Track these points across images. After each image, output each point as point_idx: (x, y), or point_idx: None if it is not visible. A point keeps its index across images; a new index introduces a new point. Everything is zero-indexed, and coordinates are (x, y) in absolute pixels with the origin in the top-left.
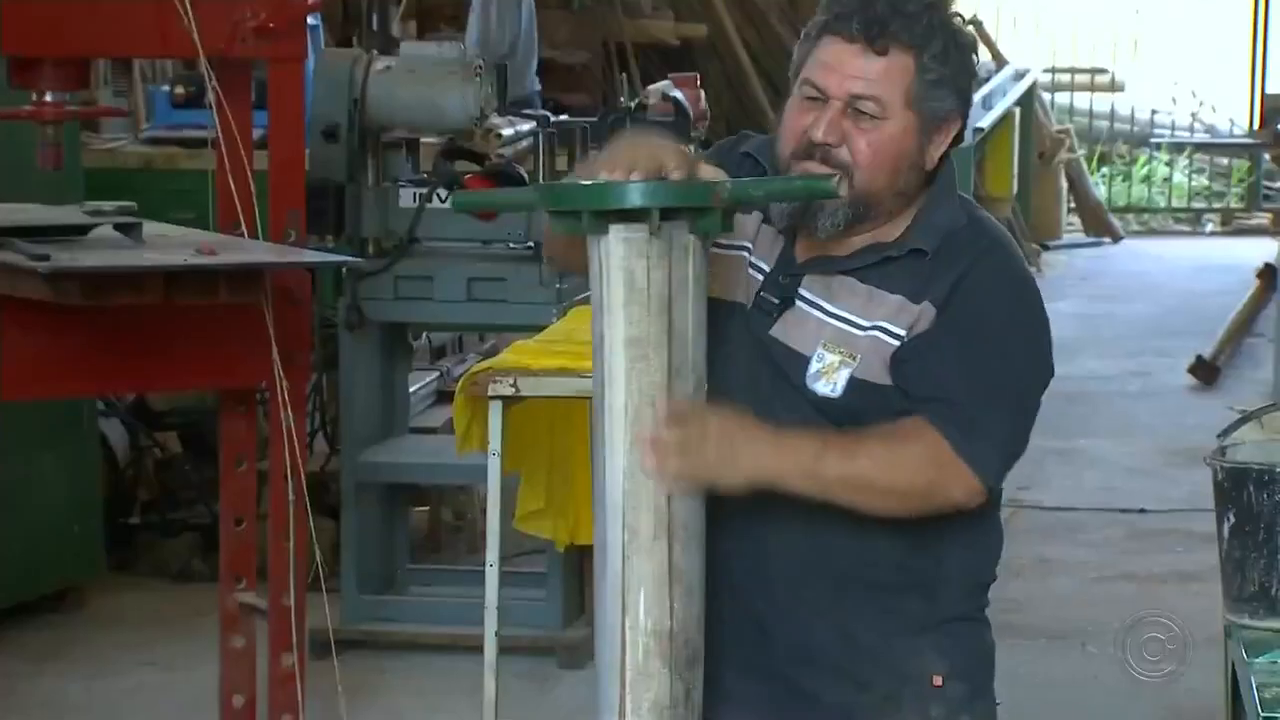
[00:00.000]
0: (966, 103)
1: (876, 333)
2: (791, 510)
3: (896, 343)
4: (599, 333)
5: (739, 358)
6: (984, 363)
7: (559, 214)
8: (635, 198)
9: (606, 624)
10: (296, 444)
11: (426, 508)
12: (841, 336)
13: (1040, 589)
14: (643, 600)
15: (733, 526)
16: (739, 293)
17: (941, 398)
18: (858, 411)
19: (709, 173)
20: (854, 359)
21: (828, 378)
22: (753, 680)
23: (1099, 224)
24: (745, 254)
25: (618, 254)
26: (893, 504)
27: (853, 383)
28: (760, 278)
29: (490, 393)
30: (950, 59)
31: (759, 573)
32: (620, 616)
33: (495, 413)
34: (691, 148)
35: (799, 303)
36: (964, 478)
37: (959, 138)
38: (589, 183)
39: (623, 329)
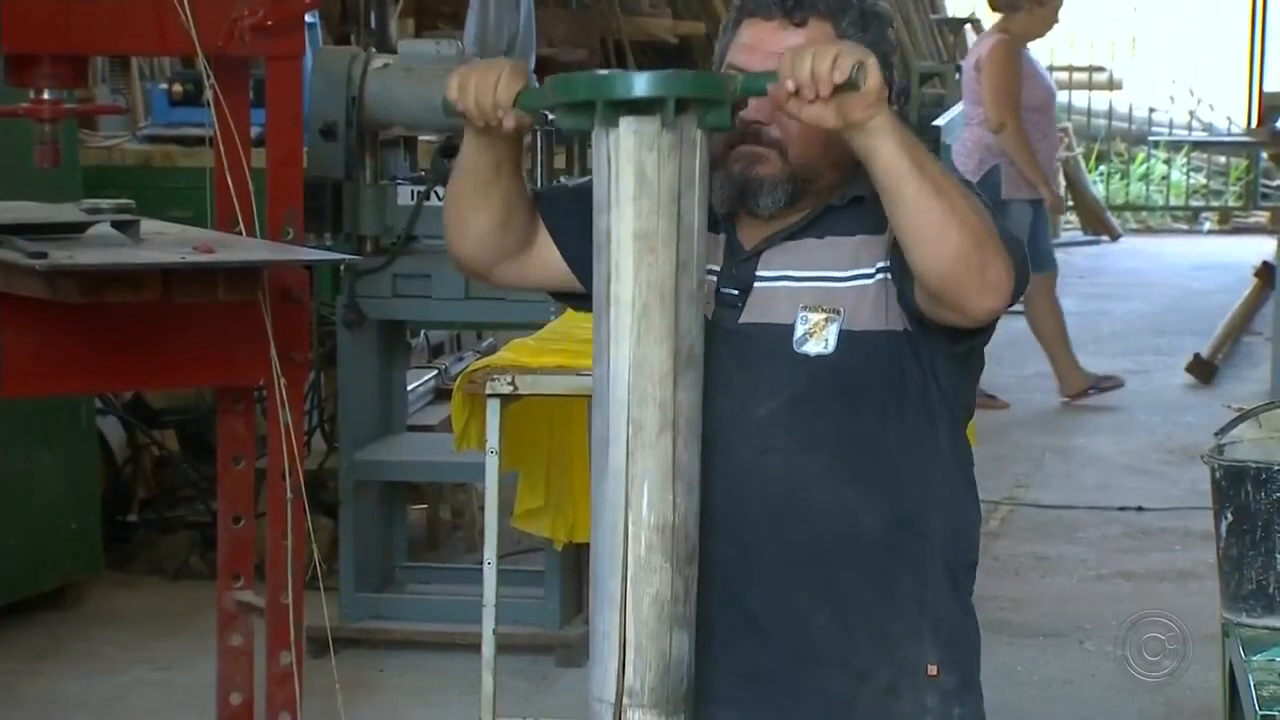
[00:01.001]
0: (891, 71)
1: (857, 281)
2: (772, 500)
3: (880, 276)
4: (604, 228)
5: (714, 364)
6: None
7: (569, 109)
8: (653, 87)
9: (606, 520)
10: (294, 442)
11: (424, 506)
12: (820, 295)
13: (1038, 587)
14: (646, 495)
15: (715, 527)
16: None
17: None
18: (854, 367)
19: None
20: (838, 312)
21: (816, 337)
22: (750, 684)
23: (1097, 222)
24: (713, 277)
25: (628, 146)
26: (955, 222)
27: (843, 336)
28: (714, 278)
29: (488, 391)
30: (869, 25)
31: (748, 570)
32: (623, 511)
33: (493, 411)
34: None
35: (760, 284)
36: (1003, 256)
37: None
38: (604, 73)
39: (631, 222)
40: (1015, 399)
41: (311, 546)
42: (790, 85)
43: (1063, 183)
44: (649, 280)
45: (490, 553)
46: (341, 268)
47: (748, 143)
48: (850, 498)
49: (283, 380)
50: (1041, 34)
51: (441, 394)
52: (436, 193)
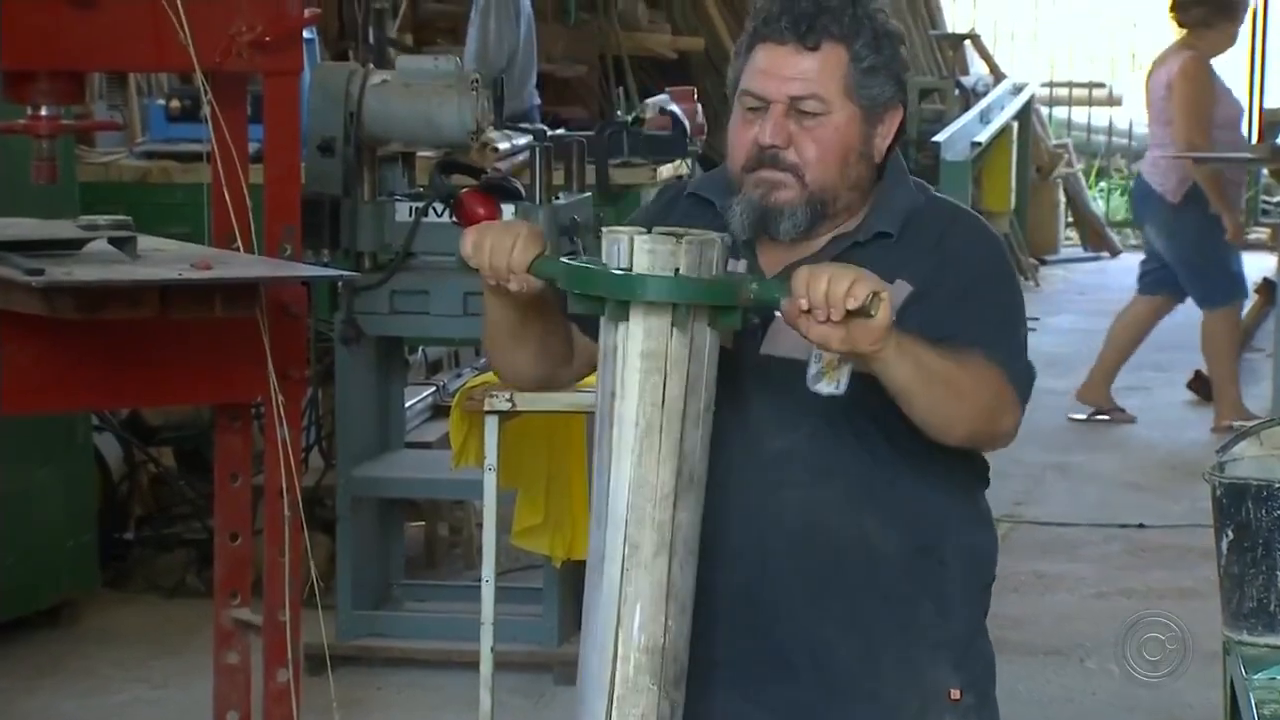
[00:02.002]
0: (904, 92)
1: None
2: (791, 532)
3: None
4: (604, 413)
5: (732, 395)
6: (992, 311)
7: (580, 296)
8: (664, 292)
9: (596, 638)
10: (292, 459)
11: (422, 523)
12: None
13: (1038, 605)
14: (638, 616)
15: (734, 562)
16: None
17: (974, 343)
18: (870, 405)
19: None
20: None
21: (829, 377)
22: (775, 717)
23: (1097, 238)
24: None
25: (636, 341)
26: (964, 412)
27: (856, 376)
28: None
29: (486, 407)
30: (882, 47)
31: (774, 605)
32: (613, 631)
33: (491, 427)
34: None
35: (779, 313)
36: (1013, 404)
37: (903, 129)
38: (618, 272)
39: (640, 341)
40: None
41: (309, 564)
42: (803, 304)
43: (1063, 199)
44: (654, 400)
45: (488, 570)
46: (339, 284)
47: (765, 167)
48: (870, 526)
49: (280, 397)
50: (1226, 50)
51: (439, 410)
52: (434, 208)
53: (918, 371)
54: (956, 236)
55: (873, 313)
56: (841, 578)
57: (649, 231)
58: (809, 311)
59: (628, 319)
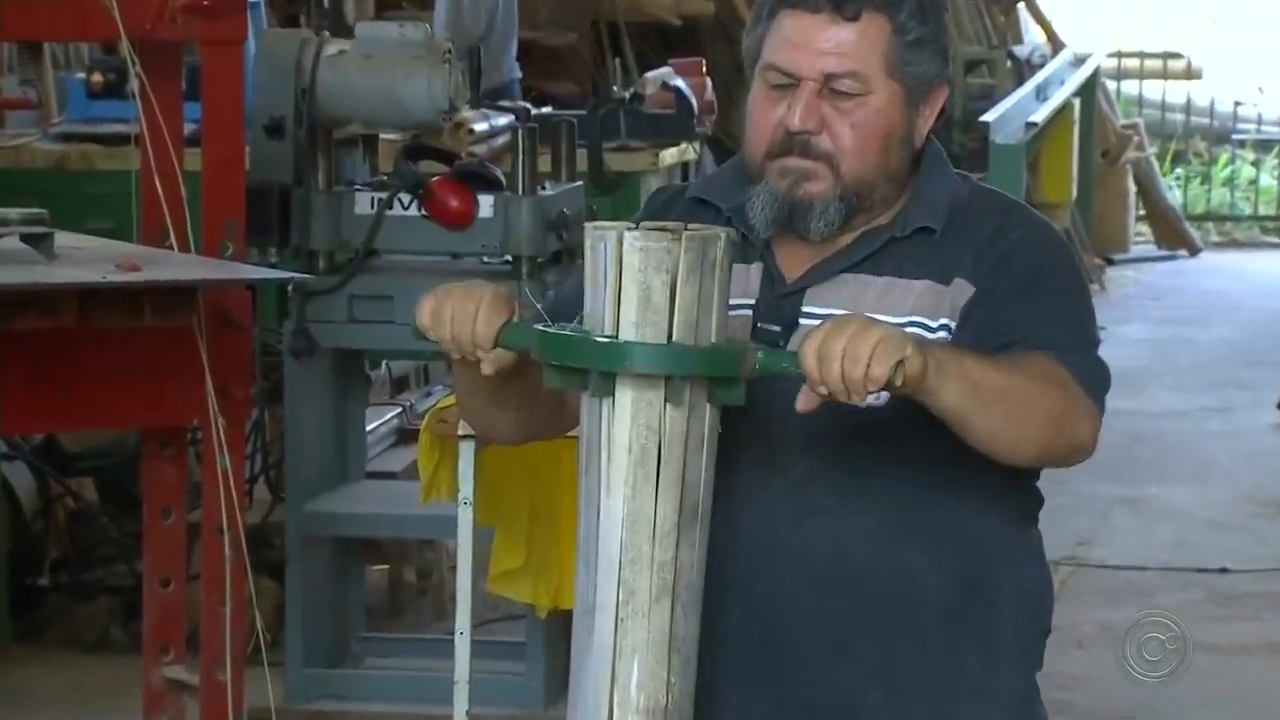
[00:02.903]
0: (949, 67)
1: (912, 328)
2: (817, 567)
3: (941, 334)
4: (593, 438)
5: (750, 415)
6: (1058, 308)
7: (558, 368)
8: (656, 363)
9: (586, 698)
10: (234, 491)
11: (386, 566)
12: None
13: (1104, 662)
14: (636, 673)
15: (749, 603)
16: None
17: (1040, 345)
18: (907, 419)
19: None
20: None
21: None
22: None
23: (1173, 234)
24: (746, 311)
25: (624, 423)
26: (1032, 427)
27: None
28: (748, 313)
29: (460, 431)
30: (928, 16)
31: (794, 647)
32: (607, 690)
33: (466, 455)
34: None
35: (806, 322)
36: (1088, 410)
37: (944, 111)
38: (600, 339)
39: (629, 418)
40: None
41: (253, 614)
42: (822, 390)
43: (1132, 188)
44: (649, 423)
45: (463, 621)
46: (289, 288)
47: (794, 154)
48: (909, 560)
49: (220, 419)
50: None
51: (406, 435)
52: (400, 200)
53: (969, 391)
54: (1014, 230)
55: (896, 384)
56: (874, 619)
57: (638, 226)
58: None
59: (613, 394)
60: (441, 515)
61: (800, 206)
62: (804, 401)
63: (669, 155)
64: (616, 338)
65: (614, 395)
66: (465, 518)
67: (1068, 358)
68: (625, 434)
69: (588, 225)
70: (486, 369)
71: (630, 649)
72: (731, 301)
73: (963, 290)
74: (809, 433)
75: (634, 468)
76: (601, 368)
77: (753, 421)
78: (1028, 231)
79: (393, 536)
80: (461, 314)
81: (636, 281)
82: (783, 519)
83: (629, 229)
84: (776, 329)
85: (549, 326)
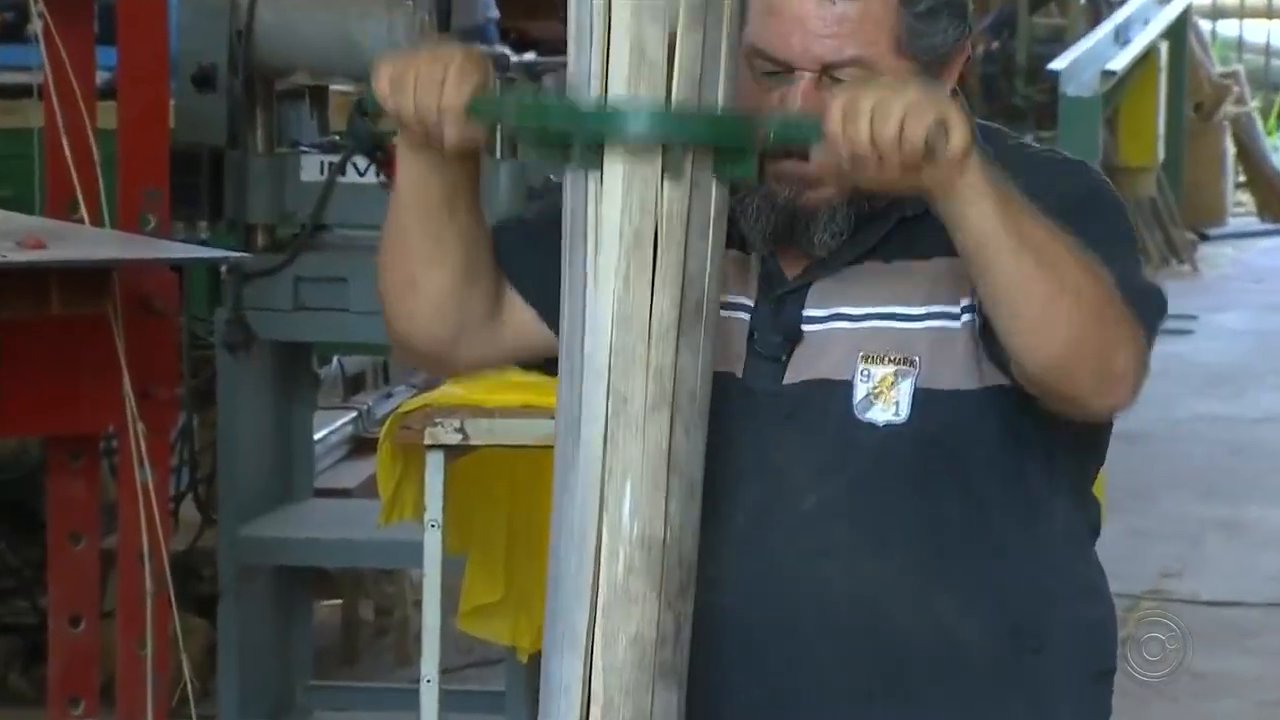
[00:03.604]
0: (968, 19)
1: (934, 321)
2: (835, 616)
3: (968, 317)
4: (571, 285)
5: (747, 437)
6: (1094, 230)
7: (537, 138)
8: (652, 129)
9: (573, 529)
10: (157, 512)
11: (338, 601)
12: (886, 339)
13: (1195, 715)
14: (630, 496)
15: (757, 655)
16: (728, 358)
17: None
18: (936, 435)
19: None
20: (912, 364)
21: (883, 399)
22: None
23: (1279, 204)
24: (744, 315)
25: (613, 201)
26: (1066, 306)
27: (920, 397)
28: (746, 318)
29: (428, 440)
30: None
31: (810, 710)
32: (595, 518)
33: (434, 468)
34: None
35: (810, 327)
36: (1133, 328)
37: (967, 59)
38: (586, 104)
39: (619, 197)
40: (1164, 451)
41: (180, 658)
42: (844, 151)
43: (1230, 150)
44: (644, 201)
45: (430, 667)
46: (223, 269)
47: (795, 156)
48: (944, 608)
49: (140, 425)
50: None
51: (362, 445)
52: (355, 164)
53: (1009, 212)
54: (1038, 175)
55: (938, 151)
56: (905, 677)
57: None
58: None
59: (601, 167)
60: (404, 540)
61: (802, 216)
62: (820, 162)
63: None
64: (604, 101)
65: (601, 170)
66: (433, 543)
67: (1112, 268)
68: (615, 215)
69: None
70: (451, 134)
71: (622, 468)
72: (727, 299)
73: None
74: (822, 461)
75: (626, 255)
76: (587, 137)
77: (750, 441)
78: (1054, 170)
79: (346, 566)
80: (427, 78)
81: (629, 33)
82: (789, 560)
83: None
84: (778, 339)
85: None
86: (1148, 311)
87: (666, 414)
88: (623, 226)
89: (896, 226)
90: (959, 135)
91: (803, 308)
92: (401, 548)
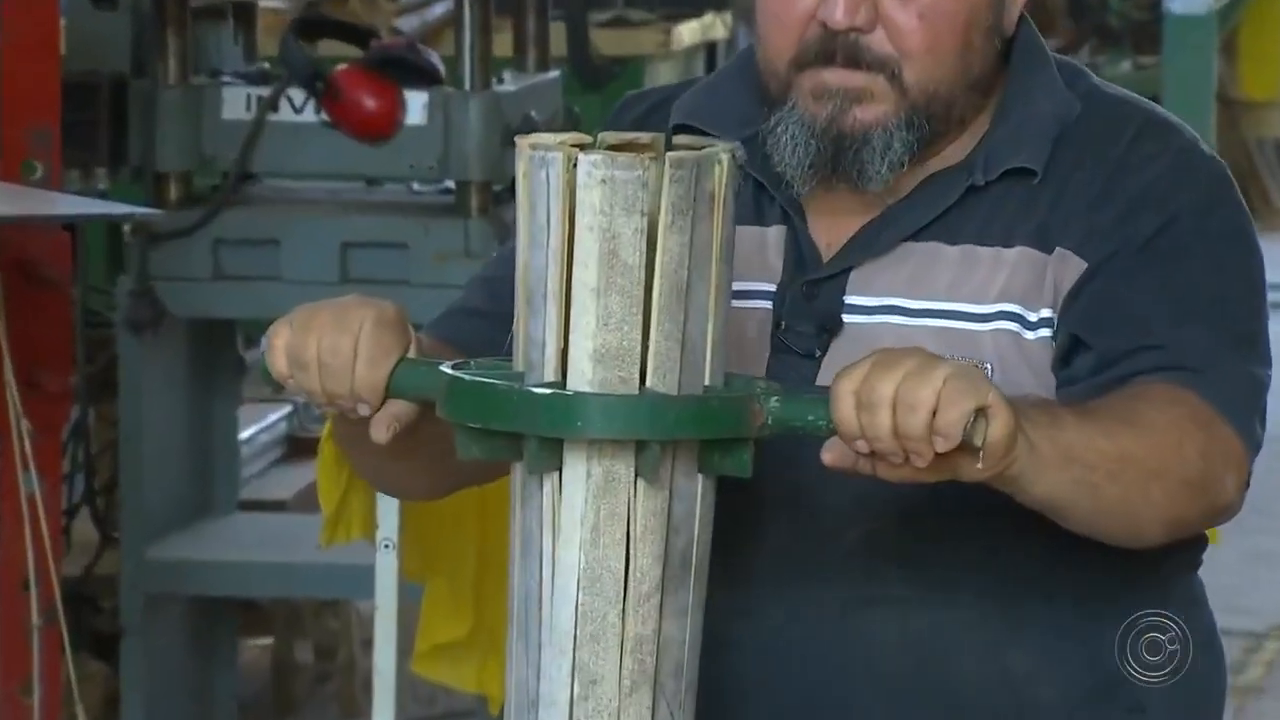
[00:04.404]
0: None
1: (1005, 322)
2: (887, 678)
3: (1044, 334)
4: (524, 534)
5: (770, 461)
6: (1198, 287)
7: (478, 433)
8: (624, 424)
9: None
10: (45, 529)
11: (269, 640)
12: (950, 339)
13: None
14: None
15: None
16: (744, 357)
17: (1154, 345)
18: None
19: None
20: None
21: None
22: None
23: None
24: (764, 303)
25: (574, 509)
26: (1159, 505)
27: None
28: (768, 306)
29: (380, 442)
30: None
31: None
32: None
33: None
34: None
35: (853, 318)
36: (1235, 454)
37: None
38: (542, 391)
39: (580, 507)
40: None
41: (74, 709)
42: (863, 447)
43: None
44: (613, 507)
45: (384, 718)
46: (126, 230)
47: (837, 63)
48: (1017, 665)
49: (24, 423)
50: None
51: (299, 446)
52: (290, 98)
53: (1071, 476)
54: (1147, 164)
55: (976, 443)
56: None
57: (593, 144)
58: (871, 454)
59: (560, 468)
60: (351, 565)
61: (850, 140)
62: (833, 454)
63: (687, 32)
64: (563, 384)
65: (560, 470)
66: (386, 568)
67: (1207, 380)
68: (575, 526)
69: (520, 142)
70: (379, 434)
71: None
72: (741, 285)
73: (1068, 265)
74: (865, 484)
75: (594, 502)
76: (543, 433)
77: (774, 462)
78: (1169, 164)
79: (280, 596)
80: (333, 353)
81: (593, 302)
82: (831, 607)
83: (582, 150)
84: (811, 330)
85: (462, 365)
86: (1250, 417)
87: (647, 697)
88: (583, 537)
89: (963, 199)
90: (1001, 424)
91: (843, 293)
92: (347, 574)
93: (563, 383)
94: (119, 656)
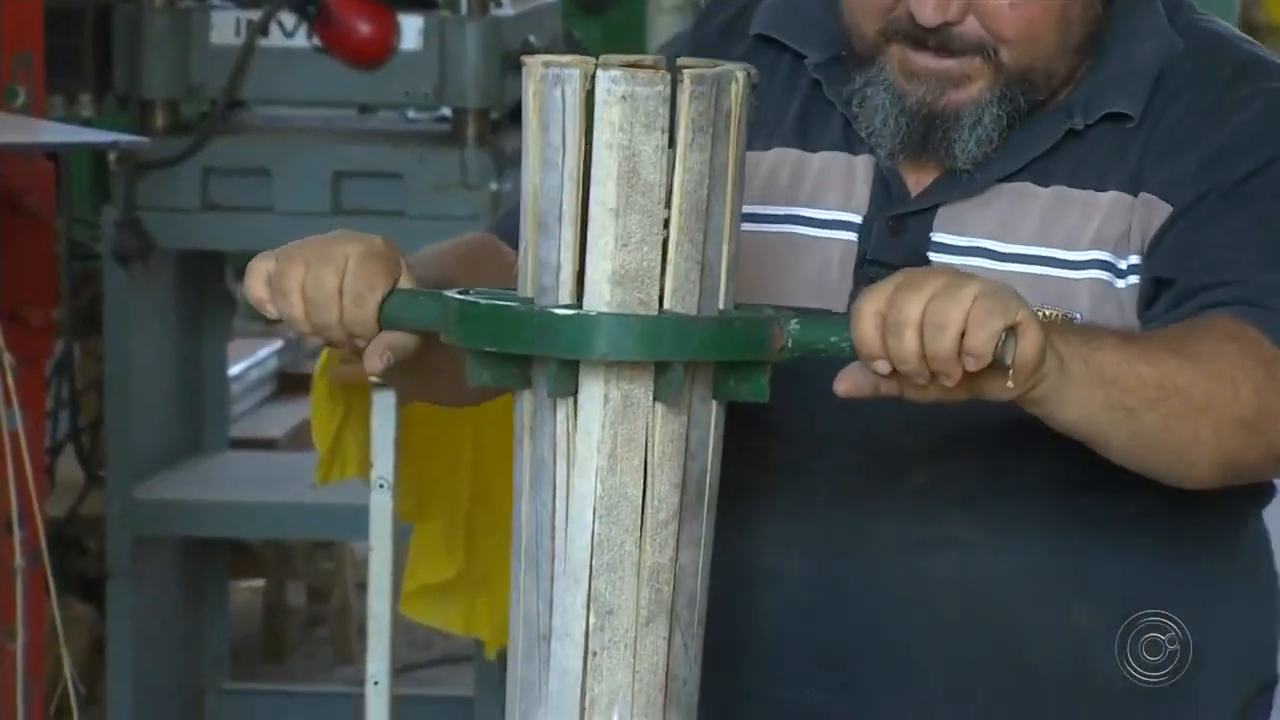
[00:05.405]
0: None
1: (1097, 271)
2: (947, 627)
3: (1132, 280)
4: (535, 461)
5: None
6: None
7: (487, 357)
8: (640, 343)
9: None
10: (29, 468)
11: (261, 581)
12: (1042, 287)
13: None
14: None
15: (840, 676)
16: (823, 290)
17: (1233, 280)
18: None
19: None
20: (1072, 322)
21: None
22: None
23: None
24: (849, 235)
25: (591, 434)
26: (1207, 441)
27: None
28: (853, 238)
29: (374, 376)
30: None
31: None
32: None
33: (384, 412)
34: None
35: (938, 256)
36: None
37: None
38: (559, 311)
39: (597, 431)
40: None
41: (59, 654)
42: (884, 367)
43: None
44: (630, 432)
45: (379, 665)
46: (112, 158)
47: (929, 51)
48: (1082, 616)
49: (8, 357)
50: None
51: (291, 383)
52: (280, 22)
53: (1107, 399)
54: (1243, 106)
55: (1006, 361)
56: (1034, 697)
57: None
58: (894, 373)
59: (575, 392)
60: (345, 505)
61: (942, 120)
62: (847, 382)
63: None
64: (579, 304)
65: (576, 395)
66: (382, 508)
67: (1275, 318)
68: (592, 452)
69: (528, 63)
70: (373, 364)
71: (607, 698)
72: (827, 214)
73: (1153, 210)
74: (938, 428)
75: (611, 427)
76: (559, 354)
77: (854, 407)
78: (1261, 107)
79: (271, 538)
80: (318, 288)
81: (613, 223)
82: (892, 549)
83: (600, 66)
84: (893, 269)
85: (463, 293)
86: None
87: (664, 627)
88: (599, 464)
89: (1062, 143)
90: (1030, 341)
91: (930, 230)
92: (341, 514)
93: (579, 306)
94: (105, 600)
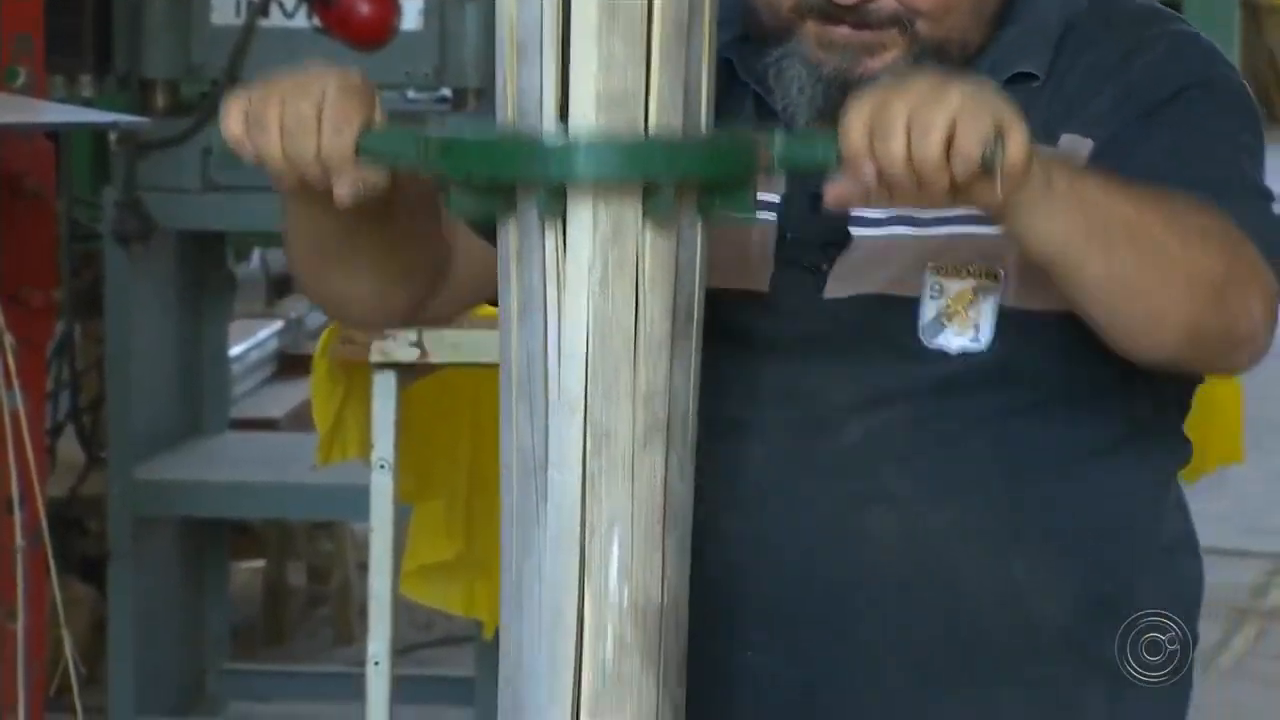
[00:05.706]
0: None
1: None
2: (885, 584)
3: None
4: (525, 291)
5: (773, 370)
6: (1210, 139)
7: (470, 187)
8: (626, 164)
9: (543, 601)
10: (29, 448)
11: (261, 562)
12: (966, 247)
13: None
14: (618, 556)
15: (782, 632)
16: (747, 271)
17: (1177, 184)
18: (1018, 365)
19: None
20: (997, 279)
21: (959, 320)
22: None
23: None
24: (768, 215)
25: (581, 258)
26: (1177, 291)
27: (1006, 318)
28: (772, 217)
29: (376, 357)
30: None
31: (851, 699)
32: (574, 587)
33: (385, 392)
34: None
35: (860, 230)
36: (1261, 276)
37: None
38: (542, 137)
39: (586, 253)
40: None
41: (60, 635)
42: (869, 173)
43: None
44: (620, 260)
45: (380, 645)
46: (113, 139)
47: (845, 24)
48: (1021, 573)
49: (9, 337)
50: None
51: (292, 364)
52: (281, 4)
53: (1086, 222)
54: (1148, 47)
55: (994, 165)
56: (968, 654)
57: None
58: (881, 179)
59: (562, 216)
60: (346, 486)
61: (858, 87)
62: (835, 192)
63: None
64: (565, 124)
65: (564, 219)
66: (383, 489)
67: (1235, 209)
68: (584, 269)
69: None
70: (343, 192)
71: (607, 521)
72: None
73: (1076, 147)
74: (870, 387)
75: (601, 252)
76: (547, 178)
77: (777, 370)
78: (1168, 44)
79: (272, 518)
80: (298, 119)
81: (595, 46)
82: (828, 506)
83: None
84: (814, 246)
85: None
86: (1276, 244)
87: (660, 446)
88: (590, 288)
89: None
90: (1017, 143)
91: (851, 209)
92: (342, 495)
93: (564, 130)
94: (106, 580)
